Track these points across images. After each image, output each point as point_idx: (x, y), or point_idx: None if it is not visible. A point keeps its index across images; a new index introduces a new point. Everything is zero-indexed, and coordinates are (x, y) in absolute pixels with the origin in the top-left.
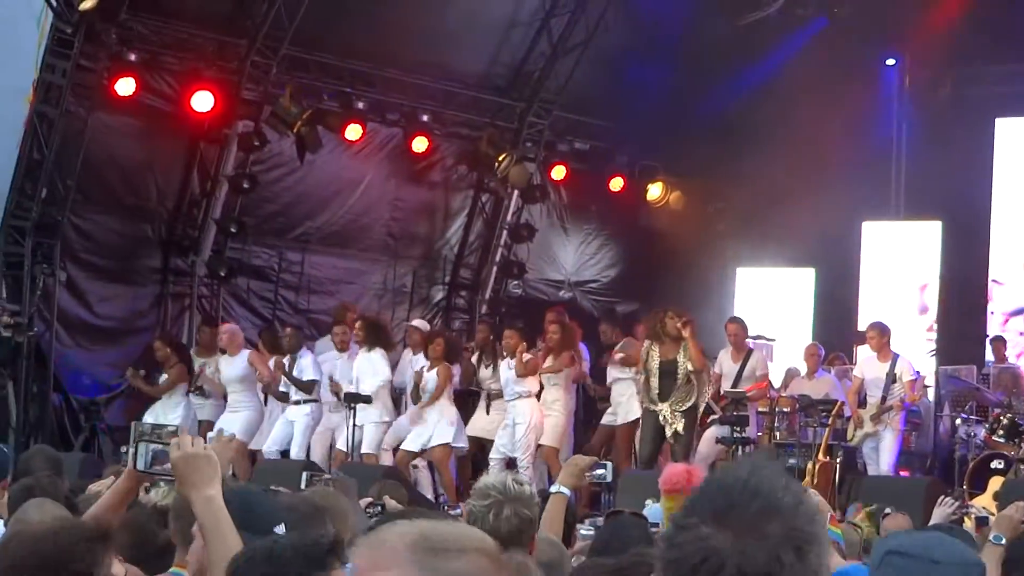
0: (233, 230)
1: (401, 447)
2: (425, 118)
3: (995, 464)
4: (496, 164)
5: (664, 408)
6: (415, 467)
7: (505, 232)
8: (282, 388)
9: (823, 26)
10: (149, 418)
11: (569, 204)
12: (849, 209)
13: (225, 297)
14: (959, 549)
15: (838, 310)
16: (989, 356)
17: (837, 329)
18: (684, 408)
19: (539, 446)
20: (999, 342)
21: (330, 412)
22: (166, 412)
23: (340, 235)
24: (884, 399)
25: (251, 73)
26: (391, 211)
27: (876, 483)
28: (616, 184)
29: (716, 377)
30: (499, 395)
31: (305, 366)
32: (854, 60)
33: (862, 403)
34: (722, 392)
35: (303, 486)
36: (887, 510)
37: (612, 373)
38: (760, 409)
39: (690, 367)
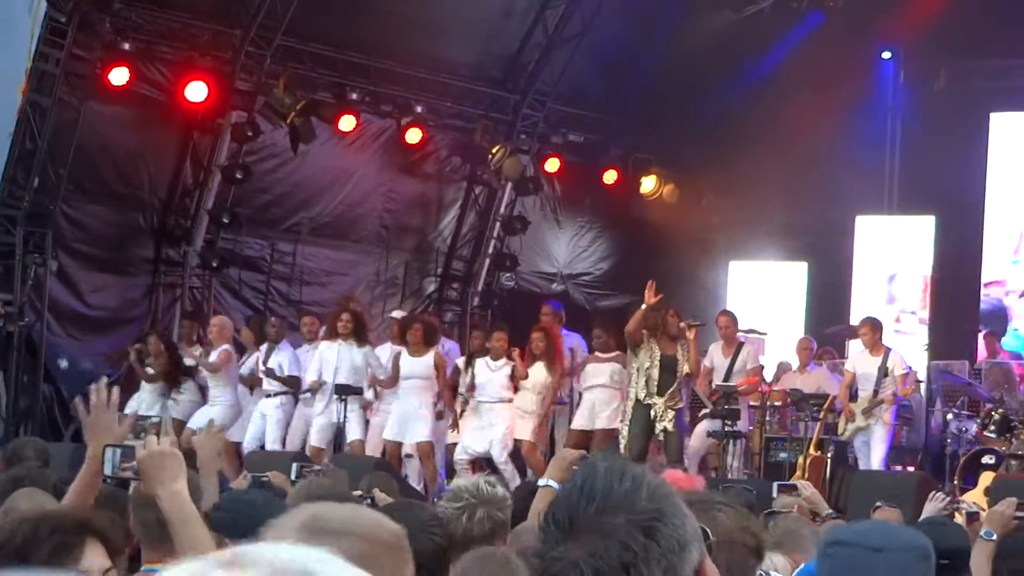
0: (226, 220)
1: (389, 438)
2: (419, 109)
3: (986, 459)
4: (490, 156)
5: (659, 403)
6: (408, 456)
7: (498, 224)
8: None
9: (818, 20)
10: (127, 411)
11: (562, 196)
12: (843, 203)
13: (217, 288)
14: (901, 534)
15: (830, 304)
16: (982, 351)
17: (829, 323)
18: (678, 407)
19: (520, 441)
20: (991, 337)
21: (305, 405)
22: (147, 407)
23: (333, 226)
24: (876, 393)
25: (245, 63)
26: (384, 202)
27: (867, 477)
28: (610, 177)
29: (706, 371)
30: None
31: (283, 360)
32: (849, 54)
33: (853, 397)
34: (713, 386)
35: (293, 478)
36: (877, 504)
37: (592, 377)
38: (751, 403)
39: (687, 369)
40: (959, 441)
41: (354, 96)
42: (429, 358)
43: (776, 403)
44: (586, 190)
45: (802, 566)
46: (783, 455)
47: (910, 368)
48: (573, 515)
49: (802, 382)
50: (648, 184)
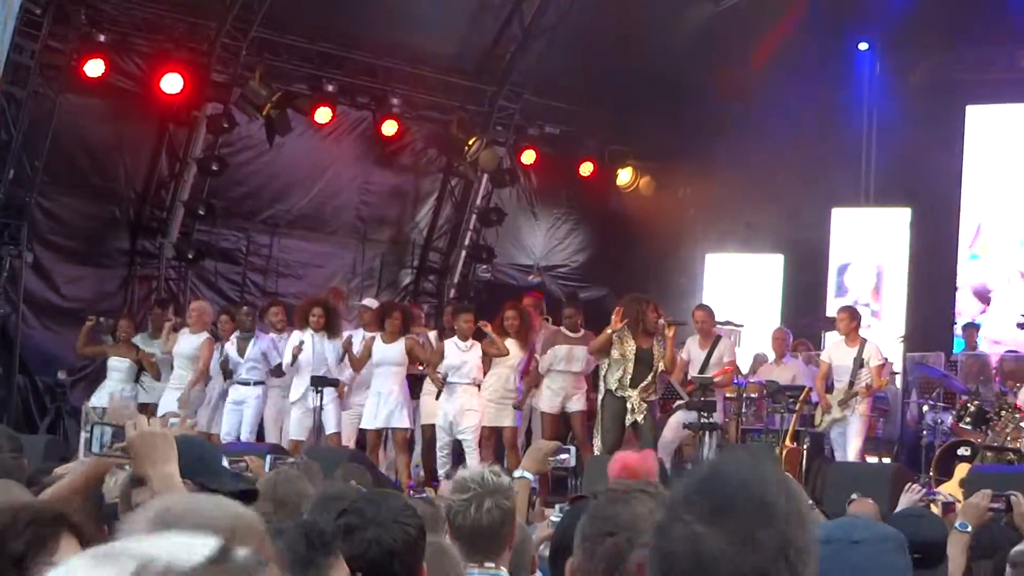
0: (201, 212)
1: (370, 427)
2: (395, 101)
3: (962, 451)
4: (466, 148)
5: (634, 395)
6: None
7: (474, 216)
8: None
9: (796, 13)
10: (95, 400)
11: (539, 189)
12: (819, 195)
13: (193, 279)
14: (876, 527)
15: (806, 296)
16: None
17: (805, 315)
18: (652, 399)
19: (496, 428)
20: (971, 328)
21: (281, 397)
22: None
23: (309, 218)
24: (851, 384)
25: (220, 55)
26: (360, 194)
27: (843, 469)
28: (586, 169)
29: (683, 363)
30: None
31: (266, 348)
32: (826, 47)
33: (829, 388)
34: (689, 378)
35: (267, 469)
36: (853, 495)
37: (556, 363)
38: (728, 395)
39: (662, 366)
40: (935, 433)
41: (330, 88)
42: (402, 344)
43: (752, 395)
44: (562, 182)
45: None
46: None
47: (886, 359)
48: (729, 506)
49: (777, 374)
50: (624, 176)
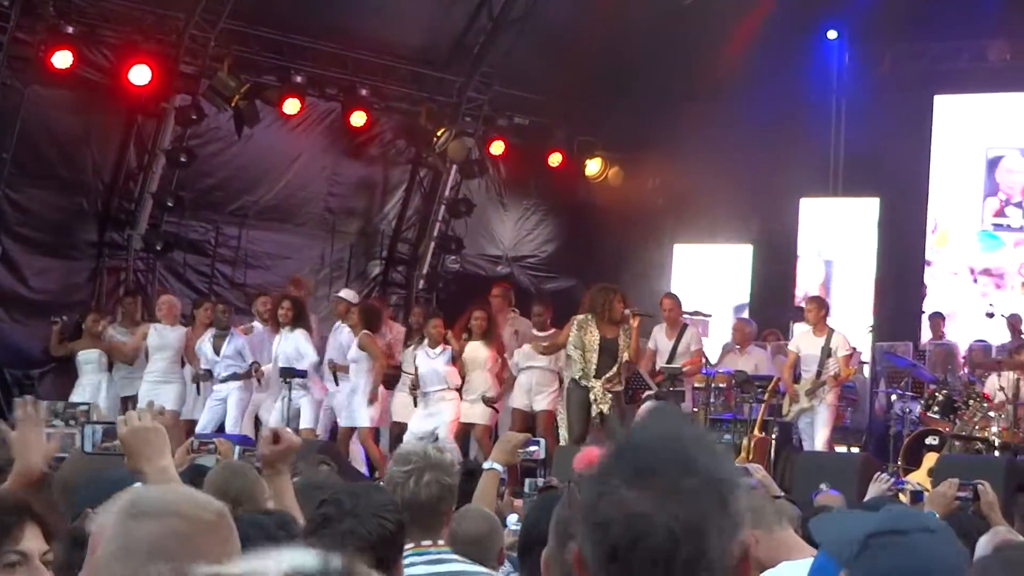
0: (170, 204)
1: (341, 424)
2: (363, 92)
3: (930, 440)
4: (434, 139)
5: (597, 386)
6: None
7: (443, 207)
8: (204, 366)
9: (764, 2)
10: (75, 397)
11: (507, 179)
12: (787, 185)
13: (161, 271)
14: (930, 517)
15: (775, 286)
16: (927, 332)
17: (774, 305)
18: (617, 390)
19: (472, 425)
20: (938, 318)
21: (257, 390)
22: (95, 390)
23: (278, 209)
24: (819, 374)
25: (189, 47)
26: (329, 185)
27: (812, 459)
28: (555, 159)
29: (650, 353)
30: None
31: (241, 346)
32: (795, 35)
33: (797, 378)
34: (658, 368)
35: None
36: (821, 485)
37: (528, 358)
38: (696, 385)
39: (626, 356)
40: (903, 422)
41: (298, 79)
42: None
43: (721, 385)
44: (531, 173)
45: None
46: (727, 436)
47: (854, 349)
48: (652, 464)
49: (740, 363)
50: (593, 167)
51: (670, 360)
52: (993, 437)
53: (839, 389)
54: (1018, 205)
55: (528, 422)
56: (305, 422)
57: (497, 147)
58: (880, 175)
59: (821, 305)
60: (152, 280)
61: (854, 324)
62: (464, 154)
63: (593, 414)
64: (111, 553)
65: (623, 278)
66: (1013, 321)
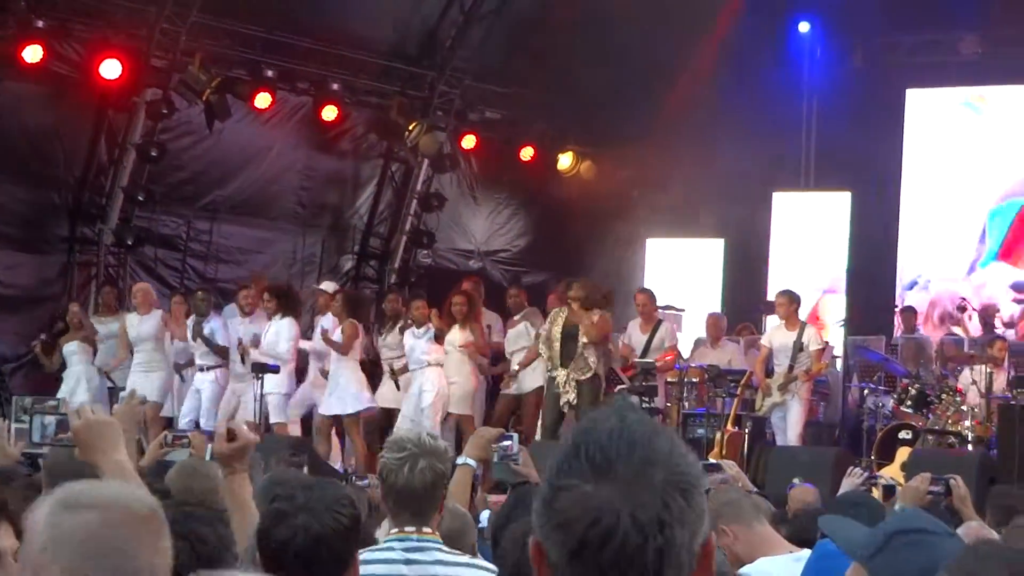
0: (141, 198)
1: (321, 412)
2: (335, 86)
3: (903, 434)
4: (406, 133)
5: (561, 374)
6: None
7: (415, 201)
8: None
9: None
10: (62, 388)
11: (479, 174)
12: (759, 179)
13: (132, 266)
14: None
15: (747, 280)
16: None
17: (746, 299)
18: (583, 378)
19: (449, 415)
20: (909, 312)
21: (235, 381)
22: (76, 380)
23: (249, 204)
24: (791, 368)
25: (160, 41)
26: (300, 180)
27: (785, 453)
28: (526, 153)
29: (626, 348)
30: (404, 369)
31: (216, 329)
32: (767, 28)
33: (770, 373)
34: (631, 362)
35: (207, 457)
36: (794, 480)
37: (515, 341)
38: (669, 379)
39: (585, 339)
40: (876, 416)
41: (270, 73)
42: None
43: (693, 379)
44: (503, 167)
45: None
46: (700, 431)
47: (826, 343)
48: (611, 458)
49: (712, 357)
50: (565, 161)
51: (644, 355)
52: (966, 431)
53: (811, 384)
54: None
55: (516, 405)
56: (274, 417)
57: (469, 141)
58: (852, 169)
59: (792, 299)
60: (123, 275)
61: (826, 318)
62: (436, 148)
63: (561, 403)
64: (41, 544)
65: (595, 272)
66: (985, 315)
